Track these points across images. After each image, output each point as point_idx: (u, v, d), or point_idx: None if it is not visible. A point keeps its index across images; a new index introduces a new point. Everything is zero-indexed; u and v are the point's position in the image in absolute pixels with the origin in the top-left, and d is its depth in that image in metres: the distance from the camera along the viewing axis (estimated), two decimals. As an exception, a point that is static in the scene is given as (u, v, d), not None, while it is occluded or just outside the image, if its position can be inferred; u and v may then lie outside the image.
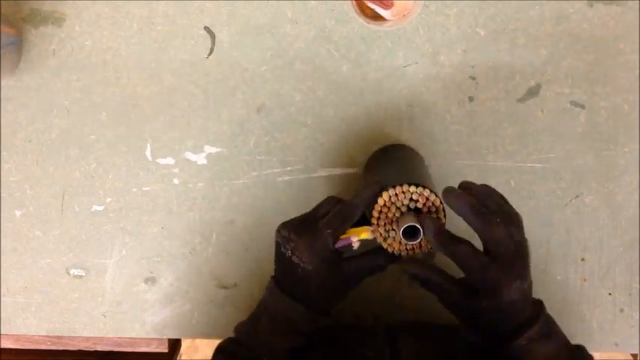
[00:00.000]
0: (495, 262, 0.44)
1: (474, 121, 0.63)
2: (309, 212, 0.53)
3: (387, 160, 0.61)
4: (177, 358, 0.77)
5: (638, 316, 0.65)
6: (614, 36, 0.61)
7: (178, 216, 0.66)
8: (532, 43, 0.61)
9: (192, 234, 0.67)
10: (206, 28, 0.63)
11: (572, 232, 0.65)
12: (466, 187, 0.49)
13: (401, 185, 0.47)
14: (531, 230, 0.65)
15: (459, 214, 0.46)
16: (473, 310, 0.46)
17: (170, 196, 0.66)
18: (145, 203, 0.66)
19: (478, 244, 0.46)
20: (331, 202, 0.53)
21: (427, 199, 0.47)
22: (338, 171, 0.65)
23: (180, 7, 0.62)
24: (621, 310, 0.66)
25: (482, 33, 0.62)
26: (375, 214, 0.48)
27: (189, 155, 0.65)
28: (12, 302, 0.68)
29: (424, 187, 0.47)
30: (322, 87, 0.63)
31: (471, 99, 0.63)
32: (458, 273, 0.47)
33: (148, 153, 0.65)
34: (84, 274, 0.68)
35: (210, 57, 0.63)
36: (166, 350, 0.72)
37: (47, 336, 0.70)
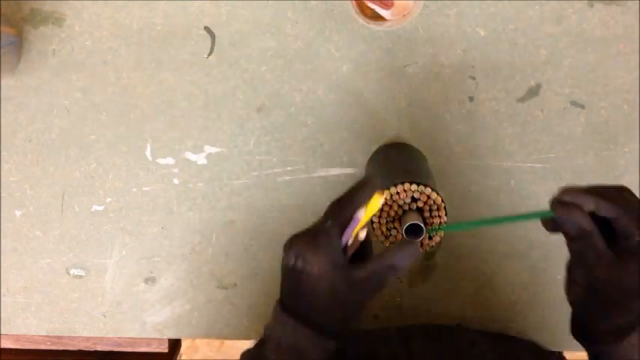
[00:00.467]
0: None
1: (474, 121, 0.63)
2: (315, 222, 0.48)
3: (390, 158, 0.61)
4: (177, 358, 0.77)
5: (638, 316, 0.65)
6: (614, 36, 0.61)
7: (178, 216, 0.66)
8: (532, 43, 0.61)
9: (192, 234, 0.67)
10: (206, 28, 0.63)
11: (572, 232, 0.65)
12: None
13: (402, 184, 0.47)
14: (531, 230, 0.65)
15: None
16: (607, 282, 0.41)
17: (170, 196, 0.66)
18: (145, 203, 0.66)
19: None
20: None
21: (428, 197, 0.47)
22: (338, 171, 0.65)
23: (180, 7, 0.62)
24: (621, 310, 0.66)
25: (482, 33, 0.62)
26: (378, 211, 0.48)
27: (189, 155, 0.65)
28: (12, 302, 0.68)
29: (425, 186, 0.47)
30: (322, 87, 0.63)
31: (471, 99, 0.63)
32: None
33: (148, 153, 0.65)
34: (84, 274, 0.68)
35: (210, 57, 0.63)
36: (166, 350, 0.72)
37: (47, 336, 0.70)
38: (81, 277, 0.68)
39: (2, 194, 0.66)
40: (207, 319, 0.68)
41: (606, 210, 0.42)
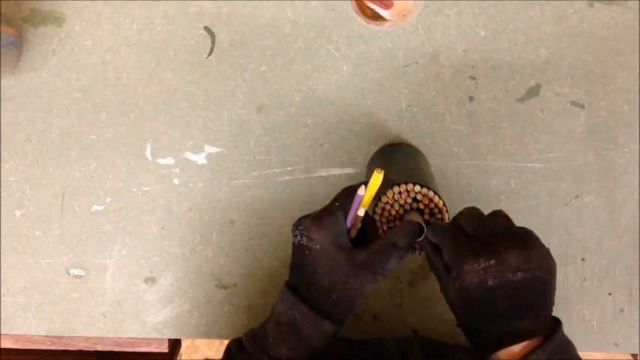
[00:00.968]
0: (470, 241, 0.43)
1: (474, 121, 0.63)
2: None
3: (392, 158, 0.61)
4: (177, 358, 0.77)
5: (638, 316, 0.65)
6: (614, 36, 0.61)
7: (178, 216, 0.66)
8: (532, 43, 0.61)
9: (192, 234, 0.67)
10: (206, 28, 0.63)
11: (571, 232, 0.65)
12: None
13: (406, 184, 0.47)
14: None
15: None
16: (451, 295, 0.43)
17: (170, 196, 0.66)
18: (145, 203, 0.66)
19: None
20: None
21: (430, 200, 0.48)
22: (338, 171, 0.65)
23: (180, 7, 0.62)
24: (621, 310, 0.66)
25: (482, 33, 0.62)
26: (379, 210, 0.48)
27: (189, 155, 0.65)
28: (12, 302, 0.68)
29: (428, 189, 0.47)
30: (322, 87, 0.63)
31: (471, 99, 0.63)
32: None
33: (148, 153, 0.65)
34: (84, 274, 0.68)
35: (210, 57, 0.63)
36: (166, 350, 0.72)
37: (47, 336, 0.70)
38: (81, 277, 0.68)
39: (2, 194, 0.66)
40: (207, 319, 0.68)
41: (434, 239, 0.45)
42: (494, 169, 0.64)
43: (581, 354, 0.43)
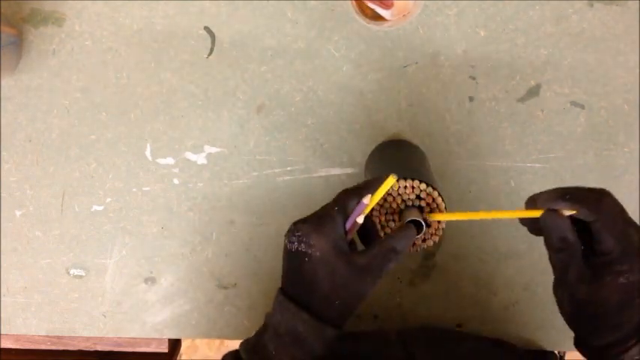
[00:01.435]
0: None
1: (474, 121, 0.63)
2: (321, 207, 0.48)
3: (393, 155, 0.61)
4: (177, 358, 0.77)
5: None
6: (614, 36, 0.61)
7: (178, 216, 0.66)
8: (532, 43, 0.61)
9: (192, 234, 0.67)
10: (206, 28, 0.63)
11: (572, 232, 0.65)
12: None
13: (412, 179, 0.48)
14: (531, 230, 0.65)
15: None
16: (590, 295, 0.42)
17: (170, 196, 0.66)
18: (145, 203, 0.66)
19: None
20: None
21: (433, 200, 0.48)
22: (338, 171, 0.65)
23: (180, 7, 0.62)
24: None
25: (482, 33, 0.62)
26: (380, 201, 0.48)
27: (189, 155, 0.65)
28: (12, 302, 0.68)
29: (434, 188, 0.48)
30: (322, 87, 0.63)
31: (471, 99, 0.63)
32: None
33: (148, 153, 0.65)
34: (84, 274, 0.68)
35: (210, 57, 0.63)
36: (166, 350, 0.72)
37: (47, 336, 0.70)
38: (81, 277, 0.68)
39: (2, 194, 0.66)
40: (207, 319, 0.68)
41: (585, 215, 0.42)
42: (494, 169, 0.64)
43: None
